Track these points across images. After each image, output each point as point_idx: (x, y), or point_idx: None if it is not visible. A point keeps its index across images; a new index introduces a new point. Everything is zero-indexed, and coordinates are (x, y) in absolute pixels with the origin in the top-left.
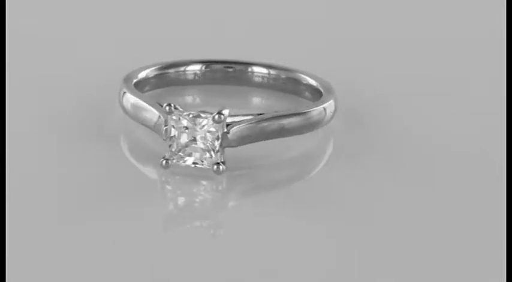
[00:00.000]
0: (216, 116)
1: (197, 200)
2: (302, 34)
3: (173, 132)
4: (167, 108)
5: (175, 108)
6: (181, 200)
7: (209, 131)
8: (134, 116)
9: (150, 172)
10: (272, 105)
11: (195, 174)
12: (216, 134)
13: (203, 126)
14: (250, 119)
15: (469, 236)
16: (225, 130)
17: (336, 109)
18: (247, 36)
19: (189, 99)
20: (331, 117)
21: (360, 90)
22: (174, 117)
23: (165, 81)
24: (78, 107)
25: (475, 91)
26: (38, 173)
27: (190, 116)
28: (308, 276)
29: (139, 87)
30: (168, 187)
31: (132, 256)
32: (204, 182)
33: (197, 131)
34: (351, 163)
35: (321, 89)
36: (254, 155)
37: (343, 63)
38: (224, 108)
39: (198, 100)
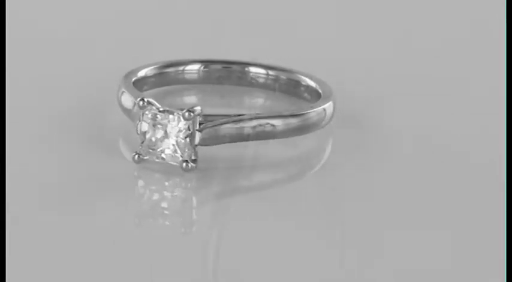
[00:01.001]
0: (186, 114)
1: (169, 196)
2: (301, 34)
3: (146, 127)
4: (140, 103)
5: (149, 103)
6: (152, 196)
7: (181, 128)
8: (122, 108)
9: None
10: (270, 106)
11: (167, 170)
12: (188, 131)
13: (175, 122)
14: (226, 119)
15: (469, 235)
16: (198, 128)
17: (333, 114)
18: (246, 37)
19: (187, 98)
20: (329, 120)
21: (359, 90)
22: (147, 113)
23: (164, 81)
24: (78, 107)
25: (475, 91)
26: (38, 173)
27: (163, 112)
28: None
29: (138, 86)
30: (141, 182)
31: (101, 252)
32: (176, 179)
33: (169, 127)
34: (350, 163)
35: (319, 90)
36: (245, 155)
37: (342, 64)
38: (196, 105)
39: (196, 99)
